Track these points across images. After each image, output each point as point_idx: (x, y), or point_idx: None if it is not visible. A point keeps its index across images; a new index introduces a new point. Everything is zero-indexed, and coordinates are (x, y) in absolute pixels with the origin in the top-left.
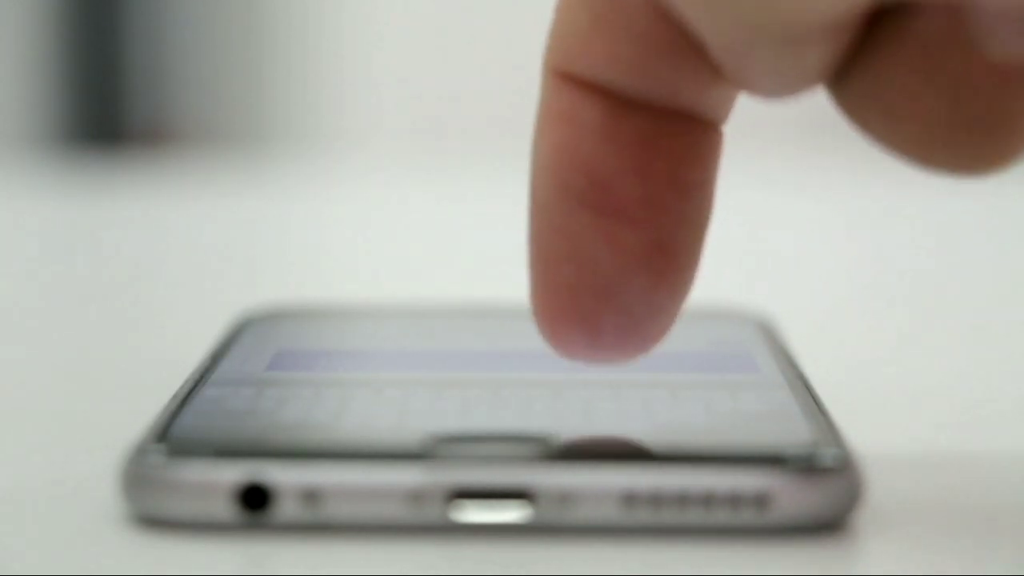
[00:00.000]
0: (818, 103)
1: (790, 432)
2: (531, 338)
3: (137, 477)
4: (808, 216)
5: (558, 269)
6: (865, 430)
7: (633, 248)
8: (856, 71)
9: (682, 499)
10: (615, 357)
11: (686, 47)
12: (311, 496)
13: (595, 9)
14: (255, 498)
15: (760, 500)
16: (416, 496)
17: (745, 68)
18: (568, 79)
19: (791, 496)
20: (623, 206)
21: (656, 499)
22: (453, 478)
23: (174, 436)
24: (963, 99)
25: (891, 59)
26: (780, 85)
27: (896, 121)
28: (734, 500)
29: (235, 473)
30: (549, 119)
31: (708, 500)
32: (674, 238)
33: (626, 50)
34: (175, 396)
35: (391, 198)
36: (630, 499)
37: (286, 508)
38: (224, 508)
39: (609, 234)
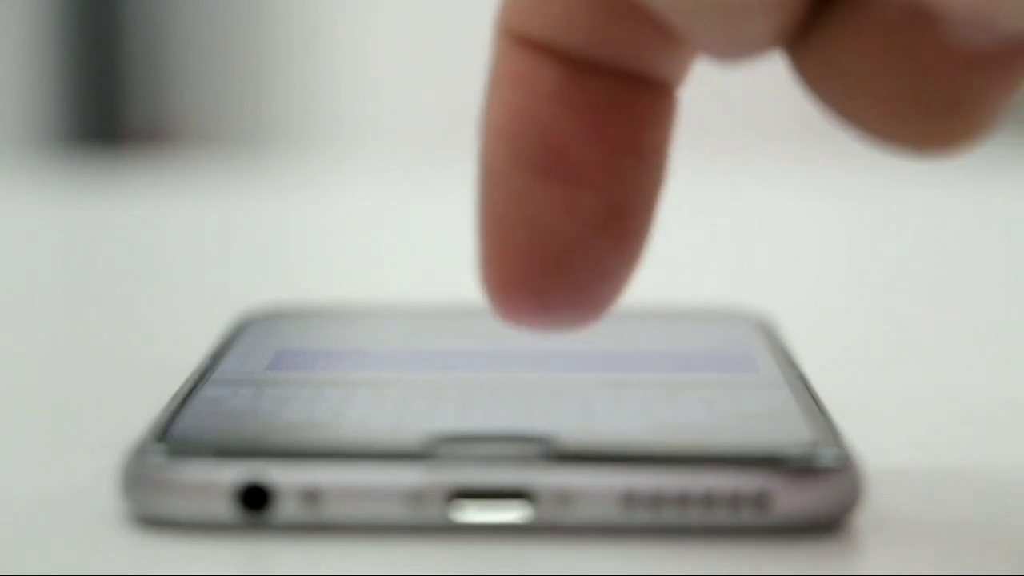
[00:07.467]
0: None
1: (790, 432)
2: (531, 338)
3: (137, 477)
4: (808, 216)
5: (510, 236)
6: (865, 430)
7: (589, 213)
8: (814, 41)
9: (682, 499)
10: (563, 326)
11: (640, 10)
12: (311, 496)
13: None
14: (255, 498)
15: (760, 500)
16: (416, 496)
17: (694, 34)
18: (522, 41)
19: (791, 496)
20: (579, 171)
21: (656, 499)
22: (453, 478)
23: (174, 436)
24: (923, 81)
25: (849, 36)
26: (730, 50)
27: (854, 97)
28: (734, 500)
29: (235, 473)
30: (502, 82)
31: (708, 500)
32: (630, 202)
33: (581, 12)
34: (175, 396)
35: (391, 198)
36: (630, 499)
37: (286, 508)
38: (224, 508)
39: (565, 199)
